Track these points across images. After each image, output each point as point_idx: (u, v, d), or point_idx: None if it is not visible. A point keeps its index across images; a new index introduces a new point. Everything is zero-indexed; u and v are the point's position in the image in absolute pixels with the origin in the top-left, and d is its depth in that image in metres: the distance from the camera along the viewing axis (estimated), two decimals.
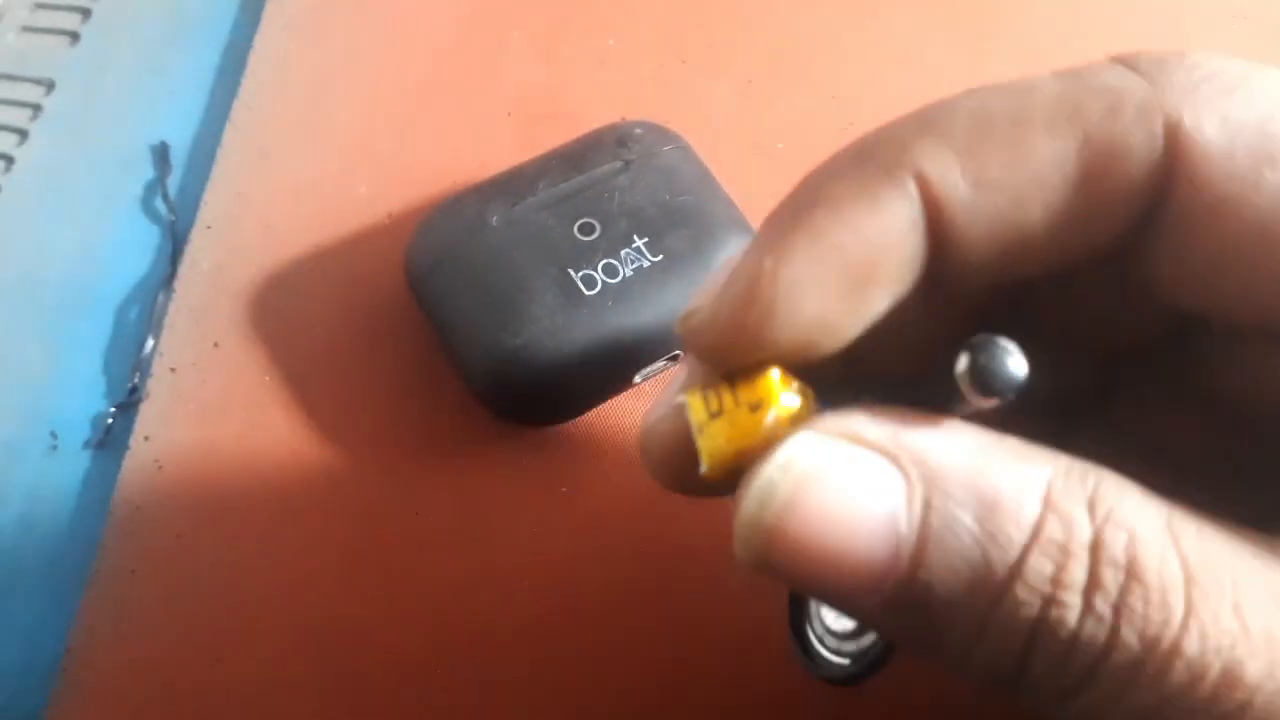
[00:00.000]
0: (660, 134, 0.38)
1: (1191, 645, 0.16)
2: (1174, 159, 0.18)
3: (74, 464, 0.36)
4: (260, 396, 0.36)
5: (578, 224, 0.35)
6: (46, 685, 0.32)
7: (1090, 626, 0.16)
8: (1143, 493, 0.17)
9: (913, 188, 0.18)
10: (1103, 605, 0.16)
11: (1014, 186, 0.18)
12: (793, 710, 0.31)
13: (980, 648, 0.17)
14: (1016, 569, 0.16)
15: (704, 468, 0.19)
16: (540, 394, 0.34)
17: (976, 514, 0.16)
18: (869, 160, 0.18)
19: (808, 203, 0.18)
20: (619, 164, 0.37)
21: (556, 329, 0.33)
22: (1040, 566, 0.16)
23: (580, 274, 0.34)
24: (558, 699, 0.32)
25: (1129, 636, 0.16)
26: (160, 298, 0.39)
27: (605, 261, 0.35)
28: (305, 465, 0.35)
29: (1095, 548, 0.16)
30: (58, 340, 0.39)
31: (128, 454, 0.35)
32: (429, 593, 0.33)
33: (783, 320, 0.18)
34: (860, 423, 0.17)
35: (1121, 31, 0.46)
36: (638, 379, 0.35)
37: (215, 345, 0.37)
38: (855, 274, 0.18)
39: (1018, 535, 0.16)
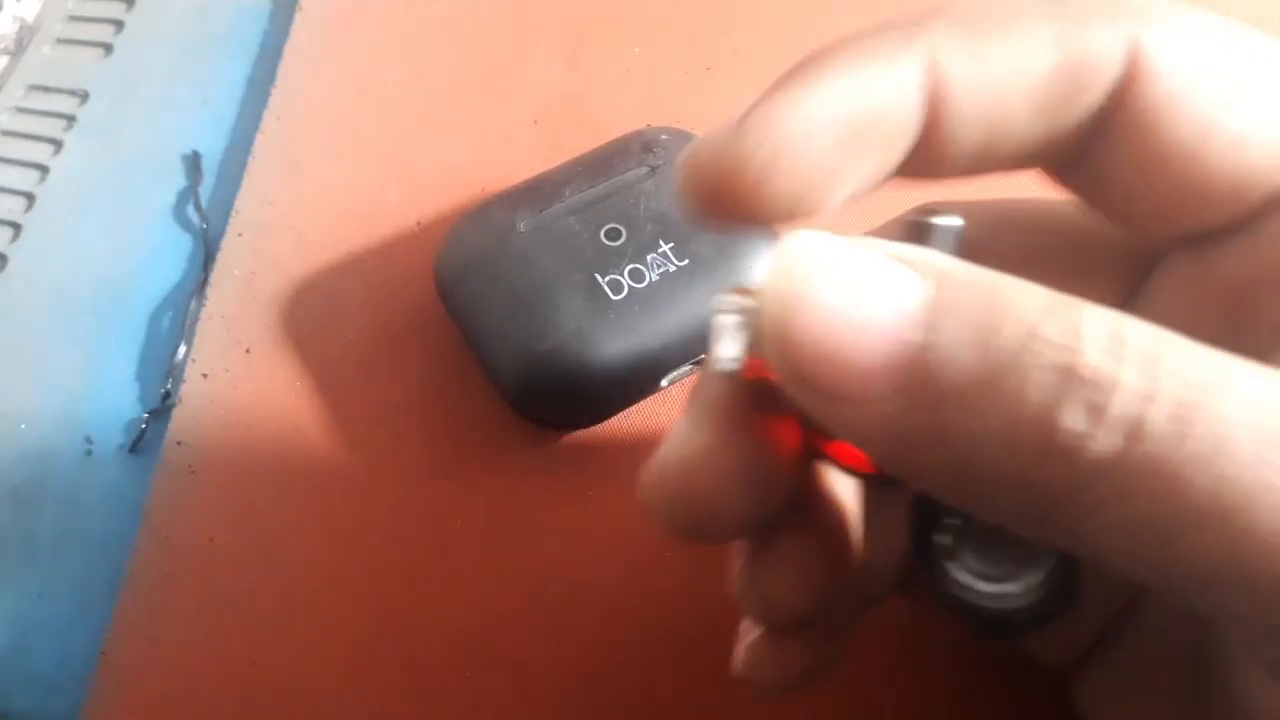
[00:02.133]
0: (686, 140, 0.39)
1: (1239, 388, 0.16)
2: (1133, 63, 0.20)
3: (108, 468, 0.37)
4: (291, 402, 0.37)
5: (604, 230, 0.36)
6: (82, 688, 0.32)
7: (1126, 373, 0.16)
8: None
9: (925, 54, 0.20)
10: (1134, 356, 0.16)
11: (1009, 67, 0.20)
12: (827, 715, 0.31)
13: (995, 408, 0.16)
14: (1030, 329, 0.16)
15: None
16: (568, 398, 0.35)
17: (982, 294, 0.17)
18: (887, 28, 0.20)
19: (825, 57, 0.20)
20: (645, 170, 0.37)
21: (584, 334, 0.34)
22: (1054, 326, 0.16)
23: (607, 279, 0.35)
24: (587, 700, 0.32)
25: (1170, 380, 0.16)
26: (193, 305, 0.40)
27: (632, 266, 0.35)
28: (336, 470, 0.35)
29: (1115, 322, 0.16)
30: (92, 346, 0.39)
31: (161, 458, 0.36)
32: (459, 594, 0.33)
33: (790, 162, 0.19)
34: (873, 239, 0.18)
35: None
36: (664, 383, 0.35)
37: (247, 351, 0.38)
38: (859, 126, 0.19)
39: (1024, 308, 0.16)
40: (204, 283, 0.40)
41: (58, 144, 0.44)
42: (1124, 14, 0.20)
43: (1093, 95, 0.20)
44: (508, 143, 0.43)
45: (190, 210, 0.43)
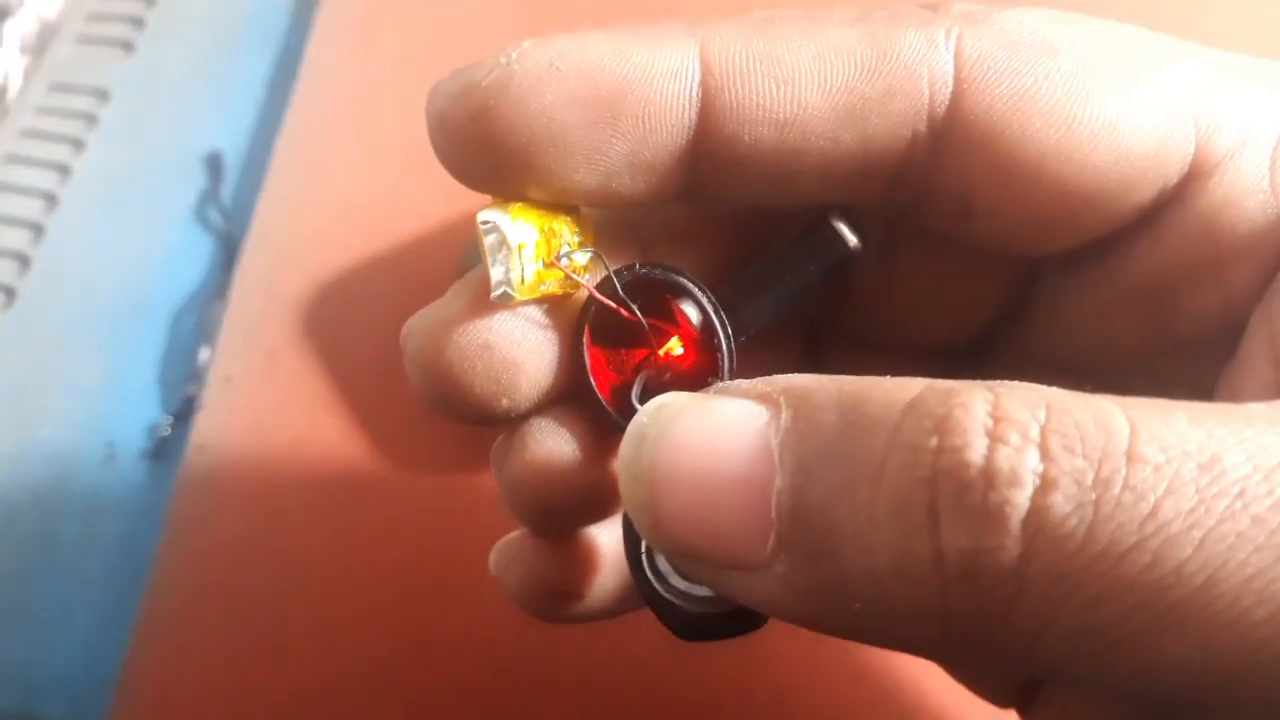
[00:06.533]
0: None
1: (1148, 449, 0.13)
2: (960, 67, 0.18)
3: (130, 473, 0.37)
4: (314, 406, 0.36)
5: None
6: (106, 693, 0.32)
7: (1006, 457, 0.13)
8: None
9: (693, 45, 0.18)
10: (1016, 436, 0.13)
11: (798, 63, 0.18)
12: None
13: (884, 550, 0.14)
14: (892, 438, 0.14)
15: (513, 291, 0.19)
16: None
17: (840, 410, 0.15)
18: (669, 23, 0.19)
19: (597, 28, 0.19)
20: None
21: None
22: (917, 427, 0.14)
23: None
24: (620, 703, 0.31)
25: (1067, 457, 0.13)
26: (215, 307, 0.39)
27: None
28: (361, 473, 0.35)
29: (996, 399, 0.14)
30: (113, 350, 0.39)
31: (183, 463, 0.35)
32: (487, 600, 0.33)
33: (517, 96, 0.18)
34: (729, 383, 0.17)
35: None
36: None
37: (269, 355, 0.37)
38: (603, 91, 0.18)
39: (886, 414, 0.15)
40: (226, 285, 0.40)
41: (79, 144, 0.44)
42: (940, 18, 0.19)
43: (910, 101, 0.18)
44: None
45: (212, 211, 0.42)
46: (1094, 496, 0.13)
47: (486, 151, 0.19)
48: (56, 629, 0.34)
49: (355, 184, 0.41)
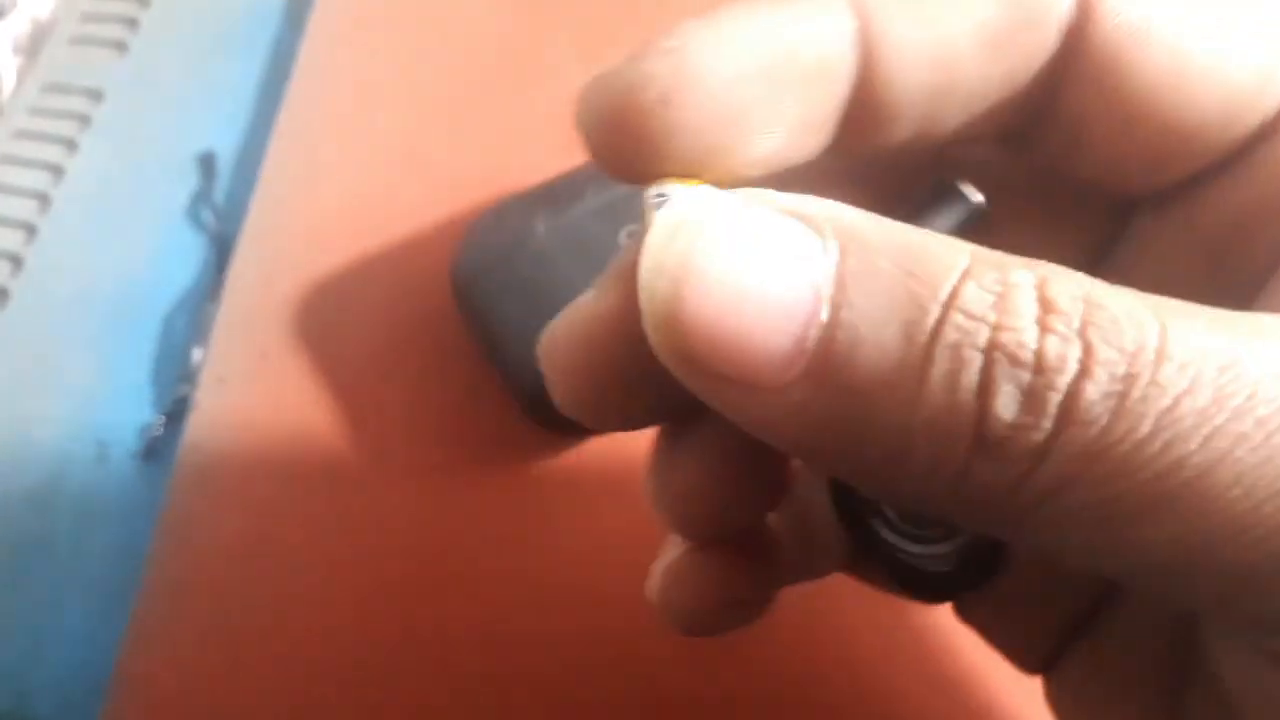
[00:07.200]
0: None
1: (1176, 348, 0.14)
2: (1084, 11, 0.18)
3: (122, 474, 0.37)
4: (308, 406, 0.36)
5: (625, 231, 0.35)
6: (98, 696, 0.32)
7: (1055, 346, 0.14)
8: None
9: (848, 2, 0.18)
10: (1063, 326, 0.14)
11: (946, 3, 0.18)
12: None
13: (924, 406, 0.15)
14: (950, 300, 0.15)
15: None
16: None
17: (896, 260, 0.15)
18: None
19: (734, 2, 0.18)
20: None
21: None
22: (977, 296, 0.15)
23: None
24: (609, 709, 0.31)
25: (1104, 350, 0.14)
26: (208, 308, 0.39)
27: None
28: (354, 476, 0.35)
29: (1042, 284, 0.15)
30: (106, 350, 0.39)
31: (176, 464, 0.35)
32: (478, 602, 0.33)
33: (693, 79, 0.17)
34: (765, 191, 0.17)
35: None
36: None
37: (263, 355, 0.37)
38: (774, 59, 0.18)
39: (945, 274, 0.15)
40: (219, 285, 0.40)
41: (72, 145, 0.44)
42: None
43: (1044, 32, 0.19)
44: (527, 142, 0.42)
45: (205, 211, 0.42)
46: (1122, 388, 0.14)
47: (669, 142, 0.18)
48: (48, 630, 0.34)
49: (349, 184, 0.41)
